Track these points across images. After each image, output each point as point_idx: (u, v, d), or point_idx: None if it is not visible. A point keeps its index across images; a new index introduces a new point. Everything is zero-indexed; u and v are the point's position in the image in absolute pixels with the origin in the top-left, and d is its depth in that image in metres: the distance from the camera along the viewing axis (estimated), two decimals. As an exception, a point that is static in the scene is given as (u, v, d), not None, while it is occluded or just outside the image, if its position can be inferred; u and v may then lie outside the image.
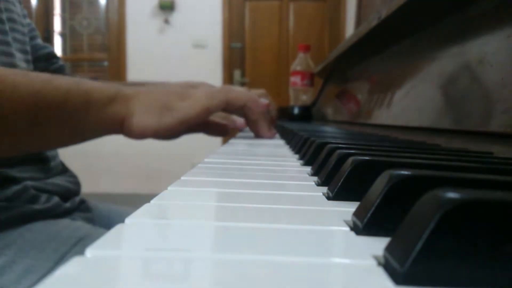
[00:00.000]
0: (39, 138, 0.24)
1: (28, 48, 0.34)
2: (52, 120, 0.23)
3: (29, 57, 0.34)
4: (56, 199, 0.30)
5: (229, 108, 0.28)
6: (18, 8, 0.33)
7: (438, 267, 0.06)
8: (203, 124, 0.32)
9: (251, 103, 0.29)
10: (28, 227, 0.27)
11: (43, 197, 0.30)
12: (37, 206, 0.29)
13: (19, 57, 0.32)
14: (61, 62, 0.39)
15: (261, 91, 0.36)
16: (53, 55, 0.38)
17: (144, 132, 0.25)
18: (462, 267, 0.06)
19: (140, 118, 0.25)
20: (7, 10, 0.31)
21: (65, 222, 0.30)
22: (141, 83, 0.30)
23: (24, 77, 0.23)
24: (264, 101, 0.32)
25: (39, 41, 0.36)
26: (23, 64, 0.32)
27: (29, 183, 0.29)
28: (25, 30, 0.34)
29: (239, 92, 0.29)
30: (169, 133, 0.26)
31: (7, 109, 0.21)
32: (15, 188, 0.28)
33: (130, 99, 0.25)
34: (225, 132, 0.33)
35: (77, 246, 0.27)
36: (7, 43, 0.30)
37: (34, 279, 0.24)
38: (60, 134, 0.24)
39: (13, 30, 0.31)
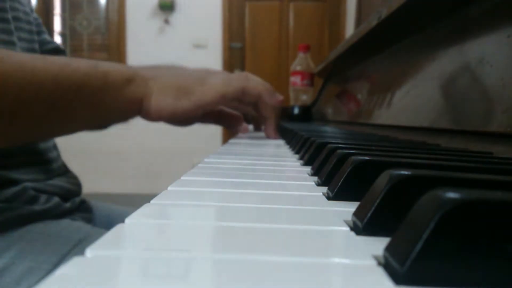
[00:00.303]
0: (60, 122, 0.24)
1: (36, 46, 0.34)
2: (72, 103, 0.23)
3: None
4: (56, 199, 0.30)
5: (244, 97, 0.28)
6: (25, 6, 0.33)
7: (438, 267, 0.06)
8: (217, 113, 0.32)
9: (266, 95, 0.29)
10: (28, 229, 0.27)
11: (43, 197, 0.29)
12: (36, 207, 0.28)
13: None
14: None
15: (268, 85, 0.36)
16: (59, 50, 0.38)
17: (161, 113, 0.25)
18: (462, 267, 0.06)
19: (158, 99, 0.25)
20: (13, 9, 0.31)
21: (65, 223, 0.30)
22: (158, 66, 0.29)
23: (43, 61, 0.22)
24: (279, 96, 0.32)
25: (46, 36, 0.36)
26: None
27: (28, 184, 0.29)
28: (33, 27, 0.33)
29: (256, 82, 0.29)
30: (185, 116, 0.26)
31: (28, 95, 0.21)
32: (14, 189, 0.28)
33: (148, 80, 0.26)
34: (238, 123, 0.33)
35: (77, 248, 0.27)
36: (12, 43, 0.30)
37: (34, 281, 0.24)
38: (79, 117, 0.24)
39: (19, 29, 0.31)
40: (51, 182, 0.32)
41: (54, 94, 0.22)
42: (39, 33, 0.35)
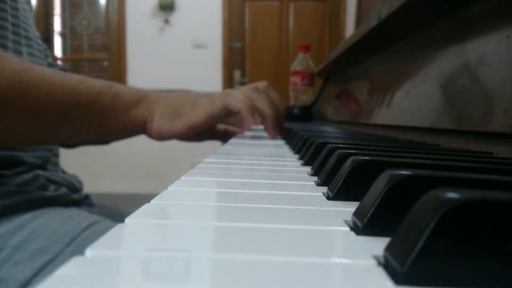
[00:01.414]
0: (69, 130, 0.26)
1: (45, 63, 0.37)
2: (83, 115, 0.26)
3: None
4: (64, 189, 0.32)
5: (229, 114, 0.30)
6: (34, 30, 0.36)
7: (438, 267, 0.06)
8: (223, 132, 0.35)
9: (245, 111, 0.29)
10: (40, 212, 0.29)
11: (52, 187, 0.31)
12: (47, 193, 0.30)
13: None
14: None
15: (263, 83, 0.36)
16: (64, 71, 0.41)
17: (162, 135, 0.28)
18: (462, 267, 0.06)
19: (158, 122, 0.28)
20: (25, 30, 0.33)
21: (74, 210, 0.31)
22: (167, 90, 0.32)
23: (62, 76, 0.25)
24: (252, 120, 0.30)
25: (50, 60, 0.40)
26: None
27: (40, 172, 0.31)
28: (41, 48, 0.37)
29: (236, 99, 0.29)
30: (181, 137, 0.29)
31: (45, 102, 0.24)
32: (26, 176, 0.30)
33: (152, 104, 0.28)
34: (227, 136, 0.36)
35: (88, 230, 0.28)
36: (28, 54, 0.33)
37: (47, 259, 0.25)
38: (88, 129, 0.27)
39: (29, 46, 0.34)
40: (57, 174, 0.34)
41: (68, 106, 0.25)
42: (46, 56, 0.38)
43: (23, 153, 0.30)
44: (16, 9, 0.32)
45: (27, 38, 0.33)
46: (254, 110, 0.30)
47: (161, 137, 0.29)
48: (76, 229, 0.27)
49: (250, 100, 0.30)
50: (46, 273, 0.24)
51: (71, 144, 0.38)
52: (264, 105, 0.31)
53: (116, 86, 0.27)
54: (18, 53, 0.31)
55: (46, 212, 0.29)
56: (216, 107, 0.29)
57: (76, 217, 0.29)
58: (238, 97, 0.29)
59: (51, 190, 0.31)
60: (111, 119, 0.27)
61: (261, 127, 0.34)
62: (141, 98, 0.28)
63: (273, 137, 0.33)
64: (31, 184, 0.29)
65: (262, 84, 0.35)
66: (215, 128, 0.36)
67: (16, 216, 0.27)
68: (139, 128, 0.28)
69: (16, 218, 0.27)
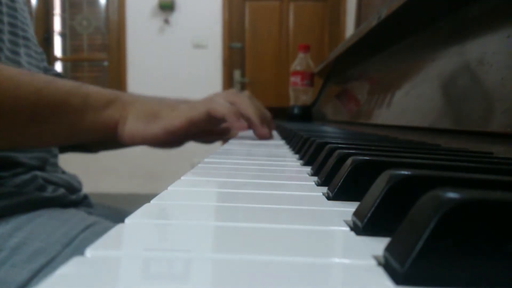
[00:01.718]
0: (37, 135, 0.25)
1: (41, 66, 0.36)
2: (51, 118, 0.24)
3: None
4: (62, 190, 0.32)
5: (212, 120, 0.28)
6: (32, 31, 0.35)
7: (438, 267, 0.06)
8: (207, 133, 0.33)
9: (230, 117, 0.28)
10: (38, 213, 0.28)
11: (50, 187, 0.31)
12: (45, 194, 0.30)
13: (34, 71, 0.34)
14: None
15: (245, 92, 0.34)
16: (60, 77, 0.41)
17: (134, 138, 0.27)
18: (462, 267, 0.06)
19: (131, 124, 0.27)
20: (23, 30, 0.33)
21: (72, 211, 0.31)
22: (143, 95, 0.31)
23: (28, 76, 0.24)
24: (238, 125, 0.30)
25: (45, 64, 0.39)
26: None
27: (38, 173, 0.30)
28: (38, 50, 0.36)
29: (219, 104, 0.28)
30: (156, 141, 0.27)
31: (9, 106, 0.23)
32: (24, 177, 0.29)
33: (127, 105, 0.27)
34: (228, 131, 0.34)
35: (86, 232, 0.28)
36: (18, 63, 0.32)
37: (44, 261, 0.25)
38: (57, 132, 0.25)
39: (27, 47, 0.33)
40: (56, 174, 0.33)
41: (35, 107, 0.23)
42: (41, 60, 0.37)
43: (20, 154, 0.30)
44: (14, 9, 0.32)
45: (25, 38, 0.33)
46: (239, 115, 0.29)
47: (132, 140, 0.27)
48: (74, 230, 0.27)
49: (233, 104, 0.29)
50: (43, 275, 0.24)
51: (71, 148, 0.37)
52: (247, 107, 0.30)
53: (87, 87, 0.26)
54: (15, 54, 0.31)
55: (44, 214, 0.28)
56: (197, 112, 0.27)
57: (74, 218, 0.29)
58: (221, 103, 0.28)
59: (49, 191, 0.30)
60: (81, 120, 0.25)
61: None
62: (114, 98, 0.26)
63: (263, 136, 0.32)
64: (29, 185, 0.29)
65: (244, 93, 0.34)
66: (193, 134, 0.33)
67: (13, 217, 0.27)
68: (110, 130, 0.26)
69: (14, 220, 0.27)
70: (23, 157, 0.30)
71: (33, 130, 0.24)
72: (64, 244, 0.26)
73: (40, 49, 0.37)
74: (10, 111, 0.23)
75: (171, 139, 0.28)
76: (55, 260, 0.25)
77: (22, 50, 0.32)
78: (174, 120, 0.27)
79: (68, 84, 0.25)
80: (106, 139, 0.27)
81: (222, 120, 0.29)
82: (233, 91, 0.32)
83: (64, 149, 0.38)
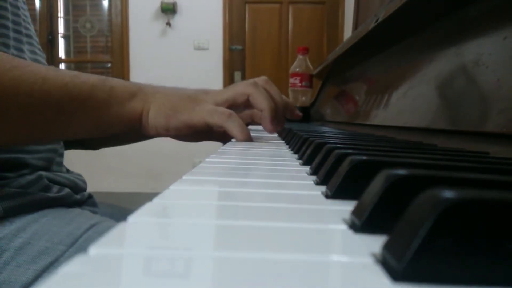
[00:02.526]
0: (64, 127, 0.25)
1: (44, 62, 0.36)
2: (77, 111, 0.25)
3: None
4: (67, 190, 0.32)
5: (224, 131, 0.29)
6: (32, 29, 0.35)
7: (435, 265, 0.06)
8: (222, 133, 0.33)
9: (239, 138, 0.29)
10: (43, 213, 0.28)
11: (55, 187, 0.31)
12: (50, 194, 0.30)
13: None
14: None
15: (262, 78, 0.34)
16: None
17: (157, 129, 0.28)
18: (459, 265, 0.06)
19: (153, 115, 0.27)
20: (26, 28, 0.33)
21: (77, 210, 0.31)
22: (163, 86, 0.31)
23: (55, 71, 0.25)
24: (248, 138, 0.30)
25: (45, 62, 0.39)
26: None
27: (43, 173, 0.30)
28: (40, 48, 0.36)
29: (236, 126, 0.28)
30: (179, 133, 0.28)
31: (38, 98, 0.23)
32: (29, 177, 0.29)
33: (149, 97, 0.27)
34: (226, 137, 0.34)
35: (90, 231, 0.28)
36: (30, 52, 0.33)
37: (49, 261, 0.25)
38: (83, 125, 0.26)
39: (30, 44, 0.33)
40: (61, 174, 0.33)
41: (62, 101, 0.24)
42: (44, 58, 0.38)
43: (27, 155, 0.30)
44: (17, 7, 0.32)
45: (28, 36, 0.33)
46: (248, 138, 0.29)
47: (157, 132, 0.28)
48: (78, 230, 0.27)
49: (247, 95, 0.29)
50: (48, 275, 0.24)
51: (74, 145, 0.37)
52: (261, 99, 0.30)
53: (111, 80, 0.27)
54: (20, 51, 0.31)
55: (48, 214, 0.28)
56: (213, 121, 0.28)
57: (78, 218, 0.29)
58: (238, 124, 0.28)
59: (54, 191, 0.30)
60: (107, 113, 0.26)
61: (260, 127, 0.33)
62: (137, 90, 0.27)
63: (270, 132, 0.32)
64: (34, 185, 0.29)
65: (261, 79, 0.33)
66: (212, 129, 0.34)
67: (18, 217, 0.27)
68: (134, 122, 0.27)
69: (18, 220, 0.27)
70: (29, 158, 0.30)
71: (60, 123, 0.25)
72: (69, 244, 0.26)
73: (40, 48, 0.37)
74: (37, 105, 0.23)
75: (191, 133, 0.28)
76: (59, 260, 0.25)
77: (25, 47, 0.32)
78: (193, 118, 0.28)
79: (92, 78, 0.26)
80: (130, 131, 0.28)
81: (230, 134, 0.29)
82: (252, 81, 0.31)
83: (67, 146, 0.38)
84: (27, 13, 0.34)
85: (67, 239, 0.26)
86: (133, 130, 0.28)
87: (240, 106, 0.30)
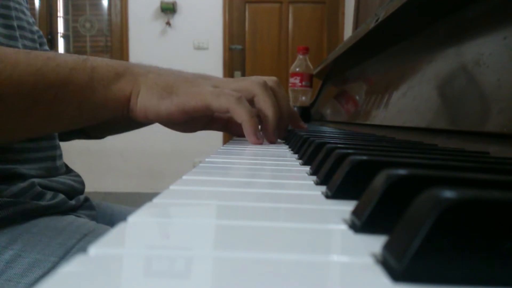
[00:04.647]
0: (42, 119, 0.22)
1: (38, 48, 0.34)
2: (55, 99, 0.21)
3: None
4: (61, 196, 0.30)
5: (230, 115, 0.24)
6: (28, 16, 0.33)
7: (435, 265, 0.06)
8: (225, 120, 0.29)
9: (247, 128, 0.24)
10: (34, 223, 0.27)
11: (49, 194, 0.29)
12: (42, 203, 0.28)
13: None
14: None
15: (273, 78, 0.29)
16: None
17: (146, 113, 0.23)
18: (459, 265, 0.06)
19: (144, 97, 0.23)
20: (17, 18, 0.31)
21: (70, 218, 0.30)
22: (156, 66, 0.26)
23: (26, 55, 0.21)
24: (254, 139, 0.25)
25: (46, 47, 0.36)
26: None
27: (35, 180, 0.29)
28: (35, 37, 0.33)
29: (243, 108, 0.24)
30: (170, 118, 0.24)
31: (7, 88, 0.20)
32: (22, 185, 0.28)
33: (138, 77, 0.23)
34: (228, 125, 0.30)
35: (82, 241, 0.27)
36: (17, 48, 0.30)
37: (40, 273, 0.24)
38: (64, 114, 0.22)
39: (23, 37, 0.31)
40: (56, 179, 0.31)
41: (36, 89, 0.20)
42: (40, 44, 0.35)
43: (21, 166, 0.28)
44: None
45: (21, 28, 0.30)
46: (257, 127, 0.25)
47: (145, 115, 0.23)
48: (70, 240, 0.26)
49: (252, 94, 0.25)
50: None
51: (76, 134, 0.33)
52: (268, 105, 0.26)
53: (93, 60, 0.22)
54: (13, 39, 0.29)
55: (40, 223, 0.27)
56: (219, 104, 0.23)
57: (71, 226, 0.28)
58: (245, 108, 0.24)
59: (47, 199, 0.29)
60: (89, 97, 0.22)
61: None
62: (124, 70, 0.23)
63: (271, 142, 0.28)
64: (26, 193, 0.27)
65: (271, 79, 0.28)
66: (213, 116, 0.29)
67: (8, 228, 0.26)
68: (122, 105, 0.23)
69: (9, 231, 0.26)
70: (25, 169, 0.28)
71: (37, 115, 0.21)
72: (60, 255, 0.25)
73: (38, 33, 0.33)
74: (9, 95, 0.20)
75: (186, 119, 0.24)
76: (50, 273, 0.23)
77: (19, 44, 0.30)
78: (190, 100, 0.23)
79: (71, 60, 0.22)
80: (118, 116, 0.24)
81: (238, 122, 0.25)
82: (263, 81, 0.26)
83: (68, 136, 0.34)
84: (21, 0, 0.31)
85: (59, 250, 0.25)
86: (121, 116, 0.24)
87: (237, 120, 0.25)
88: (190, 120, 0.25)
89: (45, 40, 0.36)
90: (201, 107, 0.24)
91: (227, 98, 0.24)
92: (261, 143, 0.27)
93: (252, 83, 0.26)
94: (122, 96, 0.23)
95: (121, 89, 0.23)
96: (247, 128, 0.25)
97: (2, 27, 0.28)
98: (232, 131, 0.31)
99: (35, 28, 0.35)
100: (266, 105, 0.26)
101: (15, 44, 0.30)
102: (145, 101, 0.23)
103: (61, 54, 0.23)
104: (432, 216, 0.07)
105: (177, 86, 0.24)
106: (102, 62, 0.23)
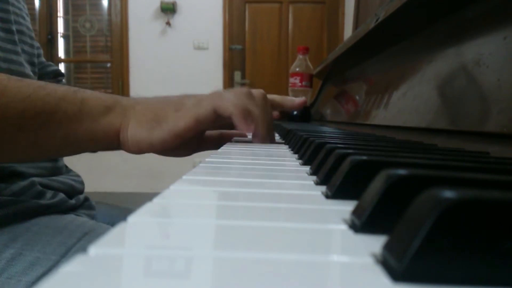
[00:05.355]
0: (27, 146, 0.22)
1: (36, 60, 0.34)
2: (42, 127, 0.22)
3: (36, 69, 0.34)
4: (61, 195, 0.31)
5: (218, 118, 0.24)
6: (27, 22, 0.33)
7: (435, 265, 0.06)
8: (218, 137, 0.29)
9: (237, 118, 0.24)
10: (35, 221, 0.27)
11: (49, 193, 0.30)
12: (43, 201, 0.29)
13: (27, 67, 0.32)
14: (65, 81, 0.40)
15: (259, 90, 0.29)
16: (59, 73, 0.39)
17: (139, 145, 0.24)
18: (459, 265, 0.06)
19: (133, 130, 0.24)
20: (17, 22, 0.31)
21: (70, 217, 0.30)
22: (145, 97, 0.26)
23: (16, 81, 0.21)
24: (245, 126, 0.25)
25: (43, 59, 0.37)
26: (31, 74, 0.33)
27: (36, 179, 0.29)
28: (34, 42, 0.34)
29: (227, 100, 0.24)
30: (165, 146, 0.24)
31: None
32: (22, 183, 0.28)
33: (127, 110, 0.24)
34: (222, 142, 0.30)
35: (82, 240, 0.27)
36: (16, 53, 0.31)
37: (41, 272, 0.24)
38: (50, 142, 0.23)
39: (22, 42, 0.32)
40: (56, 178, 0.32)
41: (23, 116, 0.21)
42: (38, 55, 0.35)
43: (23, 165, 0.29)
44: (6, 2, 0.29)
45: (20, 32, 0.31)
46: (247, 115, 0.24)
47: (139, 148, 0.24)
48: (71, 239, 0.26)
49: (241, 104, 0.25)
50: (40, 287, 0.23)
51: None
52: (255, 109, 0.26)
53: (83, 92, 0.23)
54: (10, 52, 0.29)
55: (40, 222, 0.27)
56: (203, 110, 0.24)
57: (71, 225, 0.28)
58: (229, 99, 0.24)
59: (47, 198, 0.29)
60: (77, 129, 0.22)
61: None
62: (113, 103, 0.23)
63: (262, 142, 0.28)
64: (26, 192, 0.28)
65: (257, 91, 0.28)
66: (204, 135, 0.29)
67: (9, 227, 0.26)
68: (111, 139, 0.23)
69: (10, 230, 0.26)
70: (24, 168, 0.29)
71: (22, 141, 0.21)
72: (61, 254, 0.25)
73: (37, 44, 0.35)
74: None
75: (180, 143, 0.24)
76: (51, 271, 0.24)
77: (19, 48, 0.30)
78: (179, 121, 0.24)
79: (61, 90, 0.22)
80: (109, 148, 0.25)
81: (228, 118, 0.24)
82: (247, 91, 0.26)
83: None
84: (21, 6, 0.32)
85: (59, 249, 0.26)
86: (110, 148, 0.25)
87: (226, 118, 0.25)
88: (183, 144, 0.25)
89: (41, 52, 0.37)
90: (191, 123, 0.24)
91: (208, 101, 0.24)
92: (251, 131, 0.27)
93: (238, 95, 0.26)
94: (111, 130, 0.24)
95: (110, 123, 0.23)
96: (237, 117, 0.25)
97: (0, 30, 0.29)
98: (217, 146, 0.32)
99: (36, 44, 0.35)
100: (254, 109, 0.26)
101: (14, 48, 0.30)
102: (135, 135, 0.24)
103: (52, 84, 0.23)
104: (432, 216, 0.07)
105: (165, 113, 0.24)
106: (92, 95, 0.23)
